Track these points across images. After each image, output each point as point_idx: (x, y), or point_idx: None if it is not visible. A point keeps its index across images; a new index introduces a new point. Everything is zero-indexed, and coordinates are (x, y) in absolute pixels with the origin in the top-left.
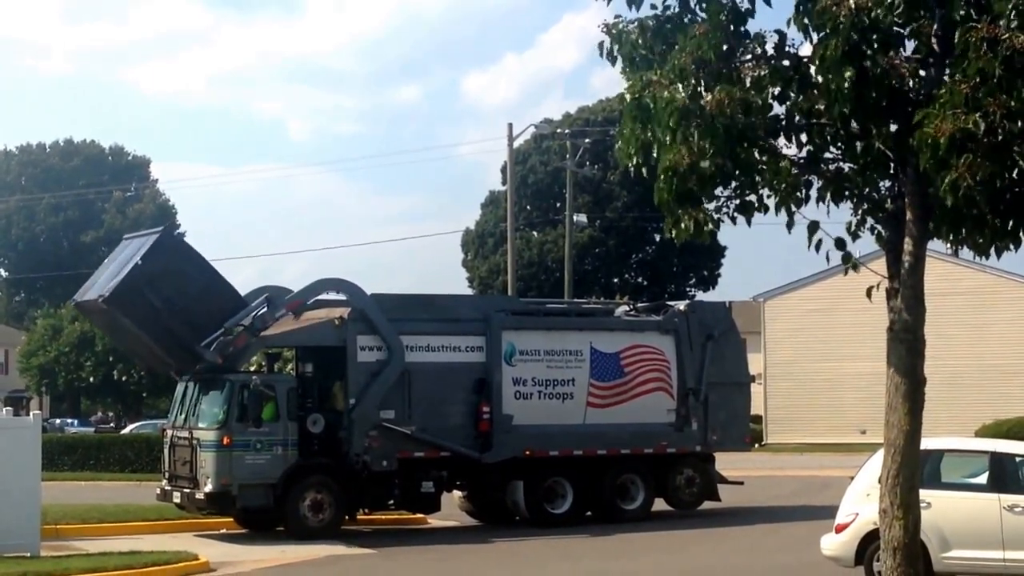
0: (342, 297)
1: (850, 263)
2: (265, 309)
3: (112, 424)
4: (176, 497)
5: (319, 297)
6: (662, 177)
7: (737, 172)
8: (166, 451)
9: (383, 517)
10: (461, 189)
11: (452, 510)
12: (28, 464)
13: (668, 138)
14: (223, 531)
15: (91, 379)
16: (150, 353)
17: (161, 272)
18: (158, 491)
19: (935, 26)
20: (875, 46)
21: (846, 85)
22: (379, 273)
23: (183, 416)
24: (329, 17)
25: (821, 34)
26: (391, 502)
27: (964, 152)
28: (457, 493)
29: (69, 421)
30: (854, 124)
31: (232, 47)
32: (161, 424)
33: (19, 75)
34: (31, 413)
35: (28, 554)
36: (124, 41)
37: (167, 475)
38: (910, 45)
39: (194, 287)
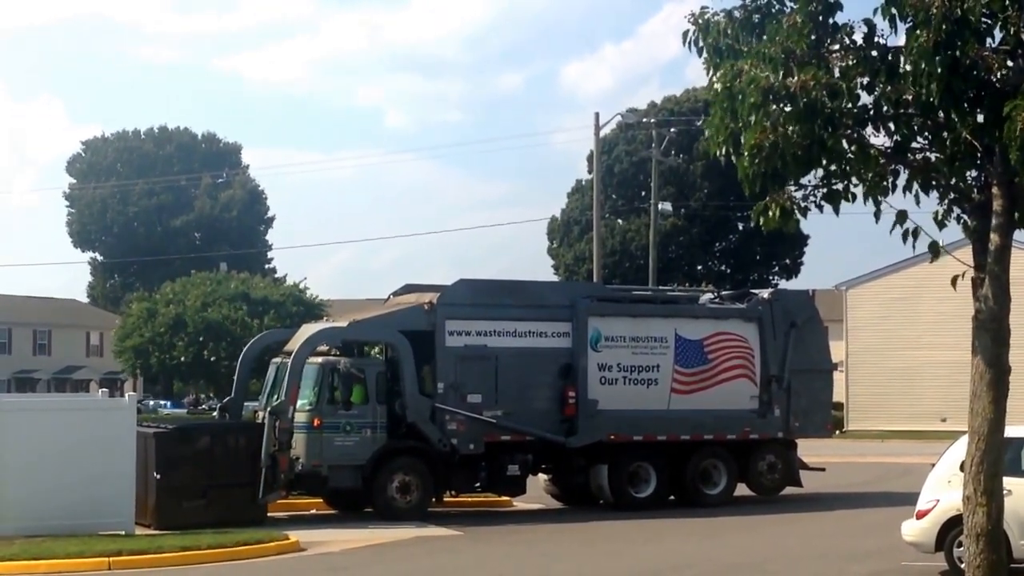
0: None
1: (936, 252)
2: (277, 422)
3: (206, 405)
4: None
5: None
6: (746, 155)
7: (825, 161)
8: None
9: (469, 499)
10: (550, 177)
11: (537, 493)
12: (123, 444)
13: (752, 117)
14: (313, 511)
15: (182, 358)
16: None
17: (183, 477)
18: None
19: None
20: (968, 37)
21: (937, 74)
22: (467, 259)
23: (275, 398)
24: (433, 6)
25: (910, 24)
26: (478, 485)
27: None
28: (542, 476)
29: (162, 402)
30: (941, 114)
31: (335, 36)
32: (253, 406)
33: (124, 62)
34: (126, 395)
35: (123, 532)
36: (231, 29)
37: None
38: (998, 36)
39: (218, 463)
